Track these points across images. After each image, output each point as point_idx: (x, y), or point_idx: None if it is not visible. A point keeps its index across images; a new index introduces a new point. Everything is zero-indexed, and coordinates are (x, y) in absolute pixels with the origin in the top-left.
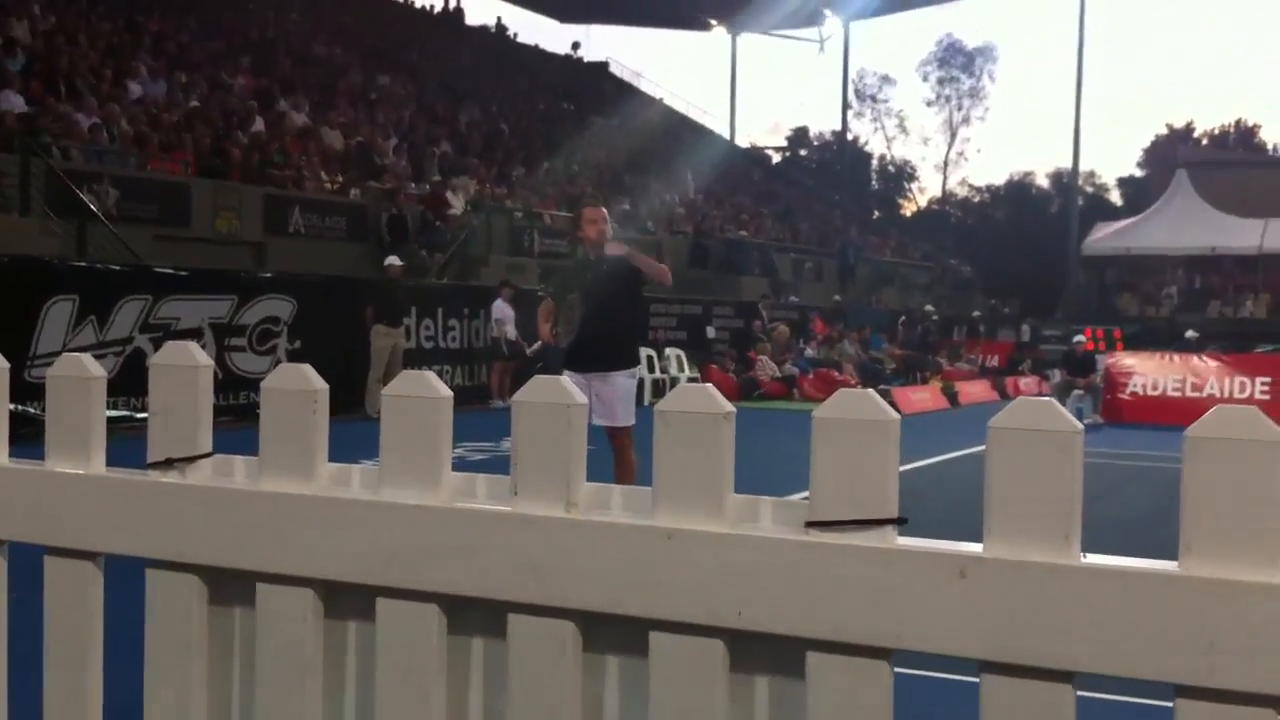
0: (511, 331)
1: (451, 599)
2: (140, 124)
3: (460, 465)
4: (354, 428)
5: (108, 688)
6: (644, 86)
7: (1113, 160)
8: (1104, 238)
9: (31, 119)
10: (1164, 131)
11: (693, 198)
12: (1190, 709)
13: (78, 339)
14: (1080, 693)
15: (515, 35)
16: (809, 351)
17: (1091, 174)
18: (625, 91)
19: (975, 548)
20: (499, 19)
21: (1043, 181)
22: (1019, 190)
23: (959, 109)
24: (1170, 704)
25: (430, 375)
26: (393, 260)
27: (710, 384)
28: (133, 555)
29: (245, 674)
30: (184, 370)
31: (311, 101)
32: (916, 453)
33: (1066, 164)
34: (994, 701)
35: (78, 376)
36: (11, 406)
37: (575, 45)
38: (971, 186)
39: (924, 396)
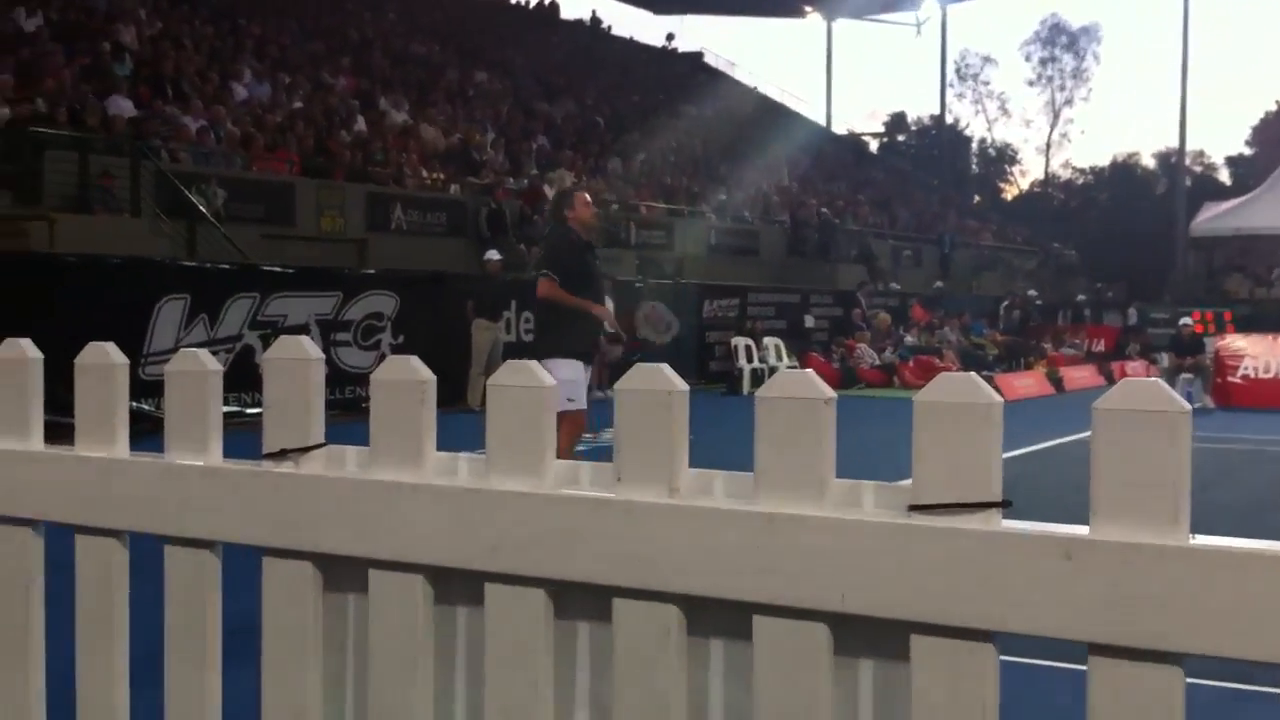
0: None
1: (557, 584)
2: (245, 125)
3: None
4: (456, 420)
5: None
6: (738, 75)
7: (1221, 139)
8: (1213, 218)
9: (140, 123)
10: (1273, 108)
11: (788, 185)
12: None
13: (189, 337)
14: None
15: (609, 28)
16: (909, 339)
17: (1200, 153)
18: (720, 81)
19: (1081, 530)
20: (593, 12)
21: (1148, 162)
22: (1124, 171)
23: (1062, 89)
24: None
25: (534, 365)
26: (492, 255)
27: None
28: (249, 544)
29: (359, 658)
30: (297, 364)
31: (410, 100)
32: (1021, 439)
33: (1173, 144)
34: (1101, 684)
35: (196, 371)
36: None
37: (670, 36)
38: (1075, 169)
39: (1028, 382)
